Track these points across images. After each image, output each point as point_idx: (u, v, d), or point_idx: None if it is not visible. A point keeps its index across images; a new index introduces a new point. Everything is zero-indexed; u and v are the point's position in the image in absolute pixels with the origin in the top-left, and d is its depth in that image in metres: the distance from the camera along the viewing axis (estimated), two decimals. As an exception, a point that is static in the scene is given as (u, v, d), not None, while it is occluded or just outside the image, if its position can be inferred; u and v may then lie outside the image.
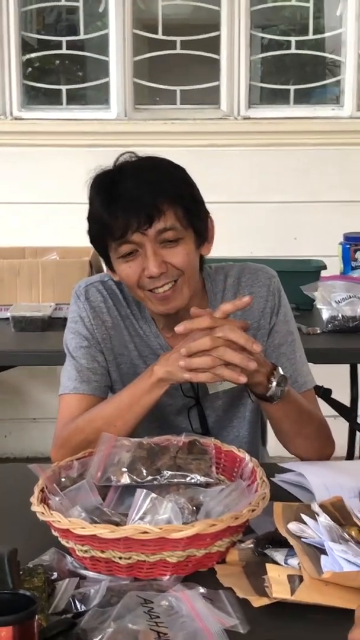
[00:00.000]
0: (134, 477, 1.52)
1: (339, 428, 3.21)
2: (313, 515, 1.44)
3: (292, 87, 4.43)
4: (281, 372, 1.73)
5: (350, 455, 3.61)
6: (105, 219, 1.78)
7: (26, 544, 1.42)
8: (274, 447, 2.13)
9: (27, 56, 4.40)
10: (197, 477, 1.53)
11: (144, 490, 1.42)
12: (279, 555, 1.37)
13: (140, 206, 1.74)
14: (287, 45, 4.44)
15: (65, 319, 2.02)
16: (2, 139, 4.25)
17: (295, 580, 1.29)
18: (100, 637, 1.17)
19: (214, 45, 4.33)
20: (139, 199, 1.75)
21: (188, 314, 1.72)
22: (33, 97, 4.44)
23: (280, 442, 1.90)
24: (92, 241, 1.87)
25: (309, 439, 1.87)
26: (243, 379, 1.63)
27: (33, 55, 4.45)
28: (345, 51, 4.35)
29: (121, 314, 1.96)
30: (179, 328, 1.67)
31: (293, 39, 4.42)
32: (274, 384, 1.71)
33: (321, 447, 1.89)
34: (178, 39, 4.34)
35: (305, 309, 3.16)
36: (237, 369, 1.62)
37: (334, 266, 3.39)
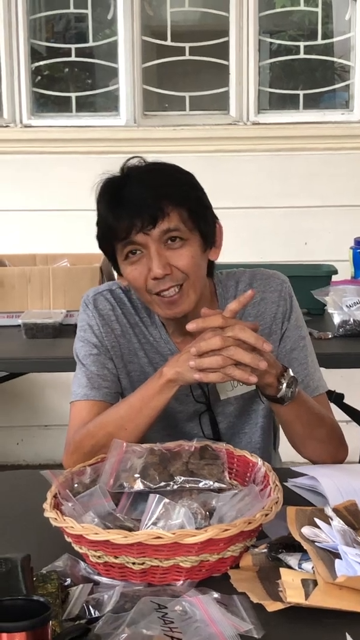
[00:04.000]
0: (147, 483, 1.52)
1: (351, 433, 3.21)
2: (326, 520, 1.44)
3: (301, 92, 4.43)
4: (291, 373, 1.72)
5: (363, 460, 3.60)
6: (110, 220, 1.80)
7: (39, 550, 1.43)
8: (286, 452, 2.13)
9: (36, 64, 4.41)
10: (210, 482, 1.53)
11: (157, 496, 1.42)
12: (292, 559, 1.36)
13: (144, 207, 1.76)
14: (296, 50, 4.44)
15: (76, 326, 2.02)
16: (12, 146, 4.27)
17: (309, 585, 1.28)
18: (114, 642, 1.17)
19: (222, 51, 4.33)
20: (143, 200, 1.76)
21: (197, 318, 1.72)
22: (42, 104, 4.46)
23: (292, 445, 1.89)
24: (100, 245, 1.88)
25: (321, 442, 1.86)
26: (253, 379, 1.63)
27: (42, 63, 4.46)
28: (355, 55, 4.35)
29: (130, 321, 1.96)
30: (191, 326, 1.67)
31: (302, 44, 4.42)
32: (284, 385, 1.71)
33: (334, 451, 1.89)
34: (187, 45, 4.35)
35: (316, 313, 3.16)
36: (248, 368, 1.62)
37: (345, 271, 3.39)
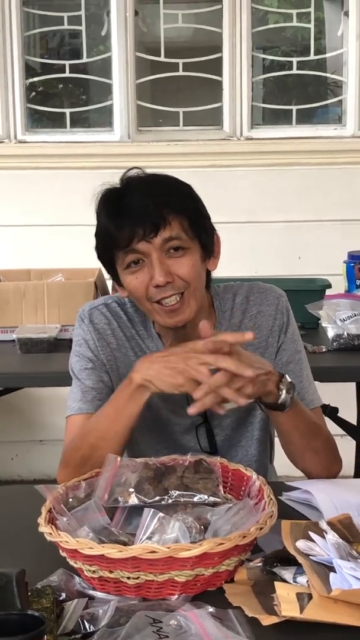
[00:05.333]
0: (142, 497, 1.52)
1: (345, 447, 3.21)
2: (321, 533, 1.44)
3: (294, 108, 4.45)
4: (288, 379, 1.74)
5: (358, 474, 3.60)
6: (112, 230, 1.80)
7: (34, 564, 1.43)
8: (281, 466, 2.13)
9: (31, 80, 4.42)
10: (205, 497, 1.53)
11: (152, 510, 1.42)
12: (287, 573, 1.37)
13: (146, 216, 1.77)
14: (289, 66, 4.46)
15: (71, 341, 2.03)
16: (6, 162, 4.28)
17: (304, 598, 1.28)
18: (109, 657, 1.17)
19: (216, 67, 4.35)
20: (145, 209, 1.77)
21: (195, 328, 1.74)
22: (37, 120, 4.47)
23: (289, 457, 1.90)
24: (99, 256, 1.89)
25: (318, 453, 1.87)
26: (242, 402, 1.64)
27: (36, 79, 4.47)
28: (347, 71, 4.38)
29: (126, 335, 1.97)
30: (192, 410, 1.67)
31: (295, 60, 4.44)
32: (284, 391, 1.72)
33: (329, 463, 1.89)
34: (180, 61, 4.36)
35: (310, 327, 3.17)
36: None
37: (339, 284, 3.40)
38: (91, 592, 1.40)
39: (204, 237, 1.85)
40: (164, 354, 1.74)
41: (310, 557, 1.38)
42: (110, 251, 1.84)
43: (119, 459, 1.62)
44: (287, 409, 1.75)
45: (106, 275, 3.14)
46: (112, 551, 1.32)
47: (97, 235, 1.86)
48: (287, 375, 1.75)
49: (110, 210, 1.81)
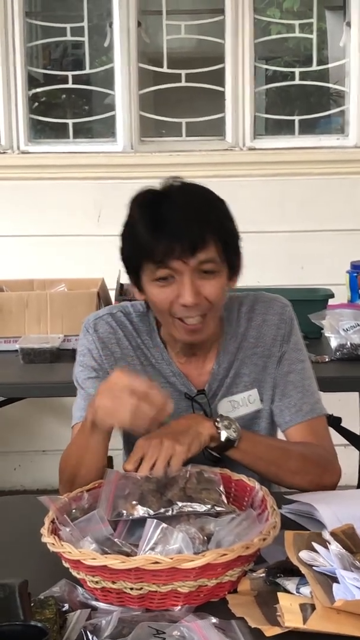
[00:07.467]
0: (147, 510, 1.51)
1: (349, 456, 3.21)
2: (324, 544, 1.43)
3: (296, 118, 4.46)
4: (224, 415, 1.76)
5: (361, 484, 3.60)
6: (148, 240, 1.75)
7: (37, 575, 1.42)
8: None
9: (34, 91, 4.43)
10: (209, 506, 1.53)
11: (154, 521, 1.42)
12: (290, 584, 1.36)
13: (186, 234, 1.73)
14: (292, 76, 4.47)
15: (73, 351, 2.03)
16: (9, 172, 4.28)
17: (307, 609, 1.28)
18: (112, 668, 1.17)
19: (218, 77, 4.36)
20: (186, 226, 1.74)
21: (207, 342, 1.77)
22: (40, 131, 4.48)
23: (274, 483, 1.89)
24: (124, 259, 1.85)
25: (298, 473, 1.84)
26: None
27: (39, 89, 4.48)
28: (349, 81, 4.38)
29: (132, 344, 1.96)
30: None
31: (297, 70, 4.45)
32: (222, 430, 1.73)
33: (316, 479, 1.85)
34: (183, 72, 4.37)
35: (313, 337, 3.16)
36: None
37: (342, 294, 3.40)
38: (94, 602, 1.40)
39: (233, 259, 1.85)
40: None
41: (314, 567, 1.38)
42: (139, 260, 1.80)
43: (118, 472, 1.62)
44: (238, 442, 1.75)
45: (109, 286, 3.15)
46: (115, 562, 1.32)
47: (126, 239, 1.83)
48: (220, 414, 1.77)
49: (149, 220, 1.76)
